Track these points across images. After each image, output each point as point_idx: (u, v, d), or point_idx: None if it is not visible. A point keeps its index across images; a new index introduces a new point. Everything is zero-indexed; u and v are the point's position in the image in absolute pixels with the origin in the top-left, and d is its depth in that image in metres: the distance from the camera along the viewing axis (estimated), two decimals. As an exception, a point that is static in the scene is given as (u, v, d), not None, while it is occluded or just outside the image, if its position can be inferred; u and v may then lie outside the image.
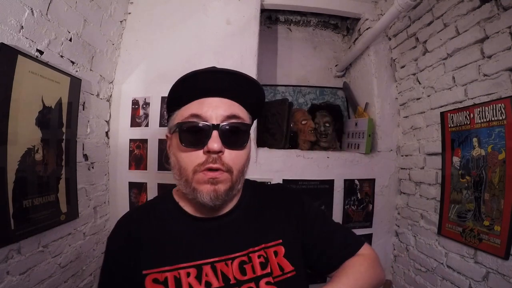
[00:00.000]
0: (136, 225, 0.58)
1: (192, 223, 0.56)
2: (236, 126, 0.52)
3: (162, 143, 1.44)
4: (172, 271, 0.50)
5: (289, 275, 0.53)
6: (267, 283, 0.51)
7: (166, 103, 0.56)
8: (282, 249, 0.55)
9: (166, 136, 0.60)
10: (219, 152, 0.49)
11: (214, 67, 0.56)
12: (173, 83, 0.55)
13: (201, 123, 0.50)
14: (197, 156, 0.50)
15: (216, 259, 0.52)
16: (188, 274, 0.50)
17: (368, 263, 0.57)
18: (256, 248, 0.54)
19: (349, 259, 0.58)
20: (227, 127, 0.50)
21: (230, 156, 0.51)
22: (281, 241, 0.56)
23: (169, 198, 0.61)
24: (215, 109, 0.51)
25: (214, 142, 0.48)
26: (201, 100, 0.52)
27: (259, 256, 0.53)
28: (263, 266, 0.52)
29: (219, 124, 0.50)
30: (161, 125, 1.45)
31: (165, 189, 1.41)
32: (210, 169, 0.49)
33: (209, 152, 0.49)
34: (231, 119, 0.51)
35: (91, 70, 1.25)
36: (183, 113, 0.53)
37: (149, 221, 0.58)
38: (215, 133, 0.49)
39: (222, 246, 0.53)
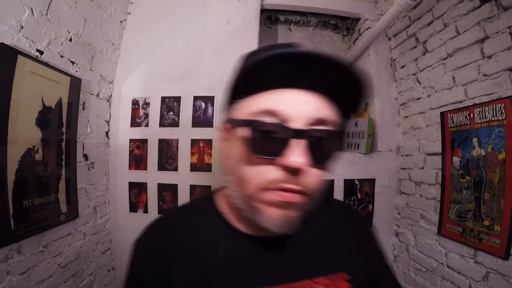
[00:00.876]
0: (172, 240, 0.45)
1: (243, 243, 0.43)
2: (327, 136, 0.36)
3: (162, 143, 1.44)
4: None
5: None
6: None
7: (230, 87, 0.39)
8: (348, 287, 0.44)
9: (222, 126, 0.45)
10: (301, 169, 0.34)
11: (292, 44, 0.38)
12: (230, 69, 0.39)
13: (278, 125, 0.34)
14: (269, 170, 0.35)
15: None
16: None
17: None
18: (321, 279, 0.43)
19: None
20: (316, 136, 0.35)
21: (313, 175, 0.36)
22: (348, 277, 0.44)
23: (212, 208, 0.48)
24: (299, 107, 0.35)
25: (297, 156, 0.33)
26: (279, 91, 0.35)
27: None
28: None
29: (305, 130, 0.34)
30: (161, 125, 1.45)
31: (169, 190, 1.41)
32: (285, 189, 0.35)
33: (287, 168, 0.34)
34: (321, 125, 0.36)
35: (91, 70, 1.25)
36: (252, 105, 0.37)
37: (187, 237, 0.45)
38: (297, 142, 0.34)
39: (280, 273, 0.42)
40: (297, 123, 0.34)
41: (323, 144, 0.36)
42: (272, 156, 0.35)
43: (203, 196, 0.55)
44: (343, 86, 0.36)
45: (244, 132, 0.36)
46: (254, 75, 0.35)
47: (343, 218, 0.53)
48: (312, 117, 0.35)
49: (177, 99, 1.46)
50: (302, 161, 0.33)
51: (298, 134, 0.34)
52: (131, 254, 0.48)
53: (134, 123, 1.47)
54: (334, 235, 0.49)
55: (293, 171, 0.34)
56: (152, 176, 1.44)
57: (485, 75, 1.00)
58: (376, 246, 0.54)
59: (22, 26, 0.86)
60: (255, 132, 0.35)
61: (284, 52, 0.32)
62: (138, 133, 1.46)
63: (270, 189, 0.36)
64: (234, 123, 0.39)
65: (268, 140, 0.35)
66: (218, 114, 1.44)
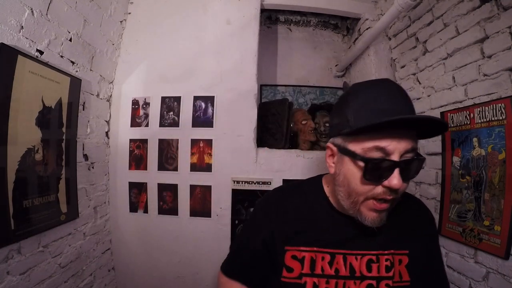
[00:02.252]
0: (287, 203, 0.66)
1: (335, 216, 0.61)
2: (415, 160, 0.51)
3: (162, 143, 1.45)
4: (310, 252, 0.59)
5: (404, 284, 0.58)
6: (387, 285, 0.56)
7: (343, 123, 0.53)
8: (406, 259, 0.59)
9: (329, 147, 0.59)
10: (399, 189, 0.49)
11: (387, 83, 0.54)
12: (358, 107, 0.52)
13: (386, 160, 0.48)
14: (375, 188, 0.51)
15: (349, 251, 0.58)
16: (323, 258, 0.58)
17: None
18: (386, 252, 0.59)
19: None
20: (409, 163, 0.50)
21: (403, 187, 0.51)
22: (408, 251, 0.60)
23: (319, 189, 0.66)
24: (398, 142, 0.48)
25: (397, 180, 0.48)
26: (384, 130, 0.48)
27: (386, 260, 0.58)
28: (388, 269, 0.57)
29: (401, 161, 0.49)
30: (161, 125, 1.45)
31: (169, 190, 1.42)
32: (384, 200, 0.51)
33: (389, 188, 0.49)
34: (411, 153, 0.50)
35: (91, 70, 1.25)
36: (364, 142, 0.50)
37: (298, 204, 0.65)
38: (397, 170, 0.48)
39: (357, 242, 0.59)
40: (396, 156, 0.48)
41: (411, 167, 0.51)
42: (380, 180, 0.50)
43: (312, 180, 0.71)
44: (427, 127, 0.50)
45: (359, 163, 0.50)
46: (369, 122, 0.46)
47: (411, 206, 0.68)
48: (405, 149, 0.49)
49: (177, 99, 1.46)
50: (400, 183, 0.48)
51: (397, 164, 0.48)
52: (256, 210, 0.72)
53: (134, 123, 1.46)
54: (403, 219, 0.64)
55: (394, 190, 0.49)
56: (152, 176, 1.44)
57: (485, 75, 1.00)
58: (434, 237, 0.69)
59: (22, 26, 0.86)
60: (368, 165, 0.49)
61: (403, 118, 0.45)
62: (138, 133, 1.46)
63: (373, 199, 0.51)
64: (347, 152, 0.52)
65: (376, 170, 0.49)
66: (217, 114, 1.45)
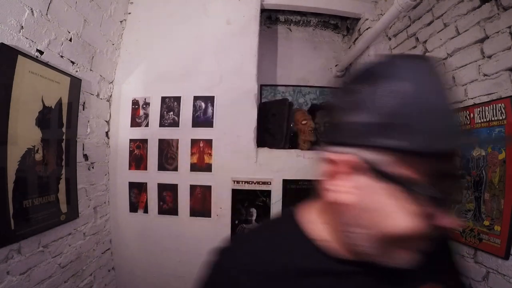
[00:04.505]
0: (254, 274, 0.38)
1: (345, 267, 0.38)
2: None
3: (162, 143, 1.44)
4: None
5: None
6: None
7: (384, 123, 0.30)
8: None
9: (346, 161, 0.33)
10: None
11: None
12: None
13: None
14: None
15: None
16: None
17: None
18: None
19: None
20: None
21: None
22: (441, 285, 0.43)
23: (299, 232, 0.41)
24: None
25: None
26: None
27: None
28: None
29: None
30: (161, 125, 1.45)
31: (169, 190, 1.41)
32: None
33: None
34: None
35: (91, 70, 1.25)
36: (426, 164, 0.31)
37: (275, 268, 0.39)
38: None
39: None
40: None
41: None
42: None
43: (286, 220, 0.44)
44: None
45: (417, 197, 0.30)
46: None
47: None
48: None
49: (177, 99, 1.46)
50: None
51: None
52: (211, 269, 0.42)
53: (134, 123, 1.46)
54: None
55: None
56: (152, 176, 1.44)
57: (485, 75, 1.00)
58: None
59: (22, 26, 0.86)
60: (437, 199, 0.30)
61: None
62: (138, 133, 1.46)
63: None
64: (395, 179, 0.31)
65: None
66: (217, 114, 1.44)
